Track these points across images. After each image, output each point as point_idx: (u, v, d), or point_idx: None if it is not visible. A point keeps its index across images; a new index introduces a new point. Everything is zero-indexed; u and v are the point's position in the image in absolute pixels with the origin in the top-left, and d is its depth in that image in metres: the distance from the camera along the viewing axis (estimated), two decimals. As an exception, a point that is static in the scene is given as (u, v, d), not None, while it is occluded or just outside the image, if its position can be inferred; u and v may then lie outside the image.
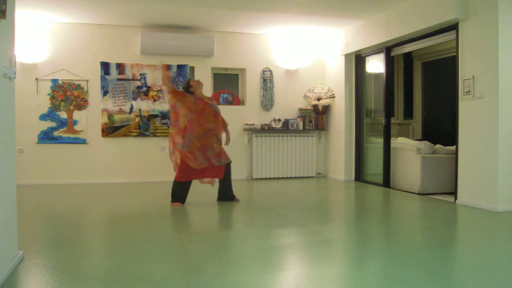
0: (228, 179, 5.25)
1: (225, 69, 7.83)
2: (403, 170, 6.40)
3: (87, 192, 6.20)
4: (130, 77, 7.16)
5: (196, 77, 7.50)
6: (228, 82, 8.02)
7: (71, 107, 6.95)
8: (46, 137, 6.88)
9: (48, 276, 2.70)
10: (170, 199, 5.18)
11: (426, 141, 6.39)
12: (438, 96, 8.32)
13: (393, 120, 7.35)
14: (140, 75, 7.20)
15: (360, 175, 7.45)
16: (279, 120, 7.72)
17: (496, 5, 4.68)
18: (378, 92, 7.14)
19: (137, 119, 7.20)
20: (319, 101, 7.84)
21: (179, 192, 5.10)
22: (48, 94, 6.87)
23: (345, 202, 6.03)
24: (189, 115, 4.90)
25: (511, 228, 4.26)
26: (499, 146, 4.72)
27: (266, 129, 7.63)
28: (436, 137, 7.66)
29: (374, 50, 6.95)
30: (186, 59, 7.36)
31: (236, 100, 7.82)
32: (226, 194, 5.29)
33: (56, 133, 6.91)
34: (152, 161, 7.31)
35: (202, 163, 4.98)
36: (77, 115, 6.99)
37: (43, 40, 6.83)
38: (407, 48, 6.44)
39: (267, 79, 7.78)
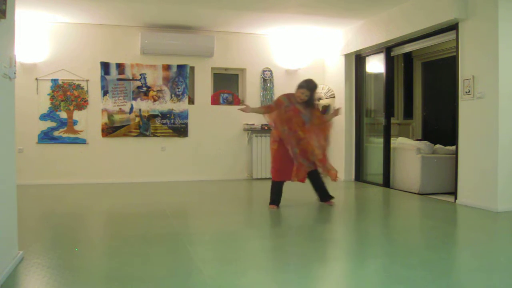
0: (320, 180, 5.03)
1: (225, 69, 7.83)
2: (403, 170, 6.39)
3: (87, 192, 6.20)
4: (130, 77, 7.16)
5: (196, 77, 7.51)
6: (228, 82, 8.02)
7: (71, 107, 6.95)
8: (46, 137, 6.88)
9: (48, 276, 2.70)
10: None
11: (426, 141, 6.39)
12: (438, 96, 8.31)
13: (393, 120, 7.34)
14: (140, 75, 7.20)
15: (360, 175, 7.45)
16: (279, 120, 7.71)
17: (496, 5, 4.68)
18: (378, 92, 7.14)
19: (137, 119, 7.19)
20: (319, 101, 7.84)
21: (274, 191, 4.94)
22: (48, 94, 6.87)
23: (345, 202, 6.03)
24: (285, 127, 4.71)
25: (511, 228, 4.26)
26: (499, 146, 4.72)
27: (266, 129, 7.62)
28: (436, 137, 7.65)
29: (374, 50, 6.95)
30: (186, 59, 7.36)
31: (236, 100, 7.81)
32: (324, 196, 5.09)
33: (56, 133, 6.91)
34: (152, 161, 7.30)
35: (308, 166, 4.80)
36: (77, 115, 6.98)
37: (43, 40, 6.83)
38: (407, 48, 6.43)
39: (267, 79, 7.78)
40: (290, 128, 4.71)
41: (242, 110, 4.93)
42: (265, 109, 4.99)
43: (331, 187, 6.87)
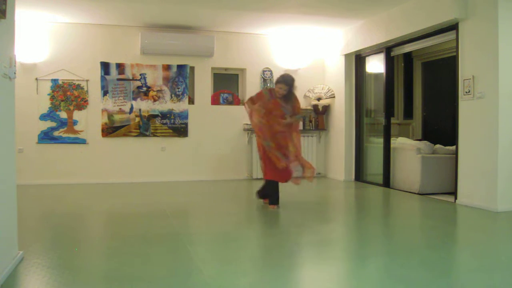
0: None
1: (225, 69, 7.83)
2: (403, 170, 6.39)
3: (87, 192, 6.20)
4: (130, 77, 7.16)
5: (196, 77, 7.51)
6: (228, 82, 8.02)
7: (71, 107, 6.95)
8: (46, 137, 6.88)
9: (48, 276, 2.70)
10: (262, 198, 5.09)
11: (426, 141, 6.39)
12: (438, 96, 8.31)
13: (393, 120, 7.34)
14: (140, 75, 7.20)
15: (360, 175, 7.45)
16: (279, 120, 7.70)
17: (496, 5, 4.68)
18: (378, 92, 7.14)
19: (137, 119, 7.20)
20: (319, 101, 7.84)
21: (270, 192, 4.94)
22: (48, 94, 6.87)
23: (345, 202, 6.03)
24: (263, 119, 4.75)
25: (511, 228, 4.26)
26: (499, 146, 4.72)
27: (266, 129, 7.61)
28: (436, 137, 7.65)
29: (374, 50, 6.95)
30: (186, 59, 7.36)
31: (236, 100, 7.81)
32: (265, 194, 5.09)
33: (56, 133, 6.91)
34: (152, 161, 7.30)
35: (285, 161, 4.76)
36: (77, 115, 6.98)
37: (43, 40, 6.83)
38: (407, 48, 6.43)
39: (267, 79, 7.78)
40: (268, 121, 4.74)
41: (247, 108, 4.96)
42: (248, 103, 4.92)
43: (331, 187, 6.89)
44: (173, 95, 7.31)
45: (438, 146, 6.35)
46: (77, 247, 3.42)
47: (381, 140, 6.82)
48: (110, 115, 7.08)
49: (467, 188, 5.13)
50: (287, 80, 4.80)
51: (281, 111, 4.78)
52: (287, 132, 4.78)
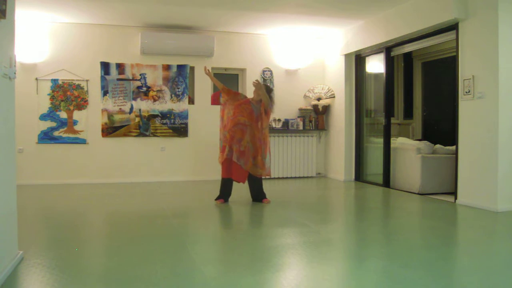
0: (258, 182, 5.27)
1: (225, 69, 7.83)
2: (403, 170, 6.40)
3: (87, 192, 6.20)
4: (130, 77, 7.16)
5: (196, 77, 7.52)
6: (228, 82, 8.01)
7: (71, 107, 6.95)
8: (46, 137, 6.88)
9: (48, 276, 2.70)
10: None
11: (426, 141, 6.39)
12: (438, 96, 8.31)
13: (393, 120, 7.34)
14: (140, 75, 7.20)
15: (360, 175, 7.45)
16: (279, 120, 7.72)
17: (496, 5, 4.68)
18: (378, 92, 7.14)
19: (137, 119, 7.20)
20: (319, 101, 7.84)
21: (222, 189, 5.32)
22: (48, 94, 6.87)
23: (345, 202, 6.03)
24: (230, 112, 5.25)
25: (511, 228, 4.26)
26: (499, 146, 4.72)
27: (266, 129, 7.61)
28: (436, 137, 7.65)
29: (374, 50, 6.95)
30: (186, 59, 7.36)
31: (236, 100, 7.81)
32: (256, 196, 5.30)
33: (56, 133, 6.91)
34: (152, 161, 7.30)
35: (227, 154, 5.08)
36: (77, 115, 6.99)
37: (43, 40, 6.83)
38: (407, 48, 6.43)
39: (267, 79, 7.78)
40: (235, 113, 5.17)
41: (206, 70, 5.50)
42: (224, 87, 5.46)
43: (331, 187, 6.89)
44: (173, 95, 7.32)
45: (438, 146, 6.35)
46: (77, 247, 3.42)
47: (381, 140, 6.82)
48: (110, 115, 7.08)
49: (467, 188, 5.13)
50: (267, 89, 5.28)
51: (249, 106, 5.15)
52: (249, 127, 5.09)
